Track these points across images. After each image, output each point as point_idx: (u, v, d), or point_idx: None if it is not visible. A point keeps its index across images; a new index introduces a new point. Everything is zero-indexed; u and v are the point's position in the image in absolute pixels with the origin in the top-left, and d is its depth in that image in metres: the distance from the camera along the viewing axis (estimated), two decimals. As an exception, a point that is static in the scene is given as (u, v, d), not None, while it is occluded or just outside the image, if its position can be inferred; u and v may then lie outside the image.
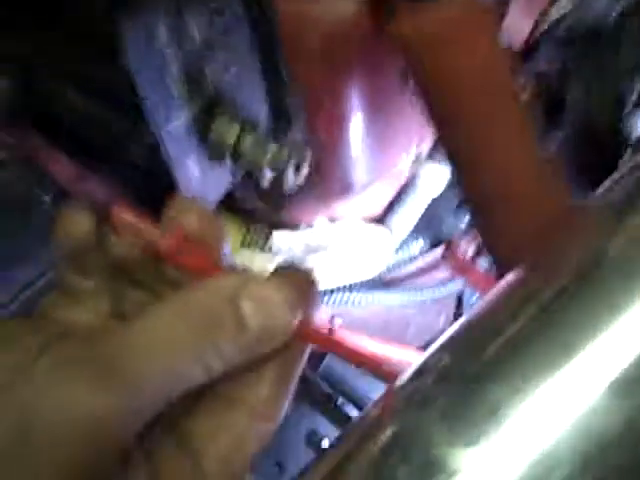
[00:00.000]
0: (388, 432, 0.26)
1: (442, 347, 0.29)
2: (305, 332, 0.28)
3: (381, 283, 0.78)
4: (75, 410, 0.22)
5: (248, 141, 0.41)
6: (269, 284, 0.27)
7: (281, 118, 0.45)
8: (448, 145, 0.45)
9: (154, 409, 0.25)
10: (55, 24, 0.38)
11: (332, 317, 0.70)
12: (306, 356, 0.30)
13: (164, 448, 0.27)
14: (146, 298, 0.30)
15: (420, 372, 0.28)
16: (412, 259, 0.81)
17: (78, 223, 0.28)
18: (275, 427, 0.29)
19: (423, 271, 0.84)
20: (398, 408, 0.27)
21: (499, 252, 0.47)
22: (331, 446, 0.31)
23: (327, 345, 0.30)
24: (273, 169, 0.42)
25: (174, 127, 0.38)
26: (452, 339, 0.29)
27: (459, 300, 0.91)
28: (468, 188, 0.46)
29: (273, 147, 0.41)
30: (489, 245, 0.48)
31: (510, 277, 0.29)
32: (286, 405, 0.29)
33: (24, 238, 0.54)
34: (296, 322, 0.27)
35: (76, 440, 0.22)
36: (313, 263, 0.65)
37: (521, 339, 0.26)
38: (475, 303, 0.86)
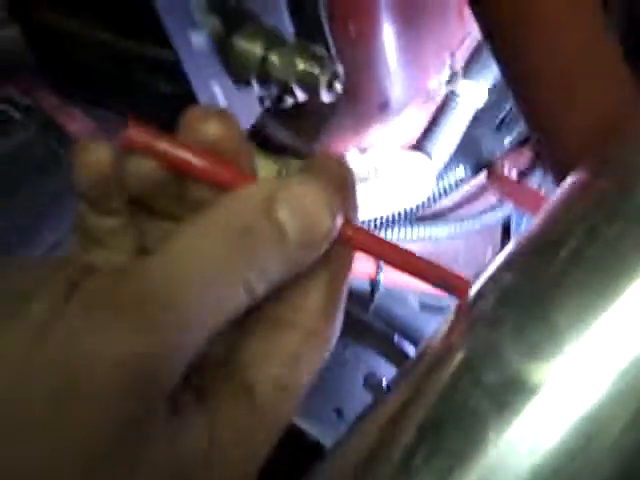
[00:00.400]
0: (458, 356, 0.25)
1: (504, 265, 0.27)
2: (348, 235, 0.26)
3: (426, 216, 0.75)
4: (117, 352, 0.21)
5: (274, 57, 0.37)
6: (304, 184, 0.24)
7: (306, 30, 0.41)
8: (504, 52, 0.40)
9: (199, 342, 0.23)
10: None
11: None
12: (352, 264, 0.28)
13: (216, 385, 0.26)
14: (171, 228, 0.28)
15: (483, 292, 0.26)
16: (455, 187, 0.77)
17: (98, 155, 0.26)
18: (330, 346, 0.27)
19: (467, 200, 0.82)
20: (465, 331, 0.26)
21: (559, 159, 0.43)
22: (395, 381, 0.30)
23: (375, 249, 0.27)
24: (304, 87, 0.38)
25: (195, 44, 0.34)
26: (514, 255, 0.27)
27: (506, 229, 0.88)
28: (527, 95, 0.42)
29: (301, 62, 0.37)
30: (549, 153, 0.44)
31: (570, 185, 0.27)
32: (339, 320, 0.28)
33: (47, 198, 0.51)
34: (338, 224, 0.25)
35: (122, 384, 0.21)
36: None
37: (588, 249, 0.24)
38: (526, 226, 0.83)
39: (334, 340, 0.27)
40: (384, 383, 0.52)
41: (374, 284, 0.67)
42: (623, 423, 0.23)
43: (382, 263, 0.67)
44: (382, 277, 0.67)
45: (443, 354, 0.26)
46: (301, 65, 0.37)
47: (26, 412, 0.20)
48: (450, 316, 0.29)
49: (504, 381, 0.23)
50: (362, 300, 0.66)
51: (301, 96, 0.39)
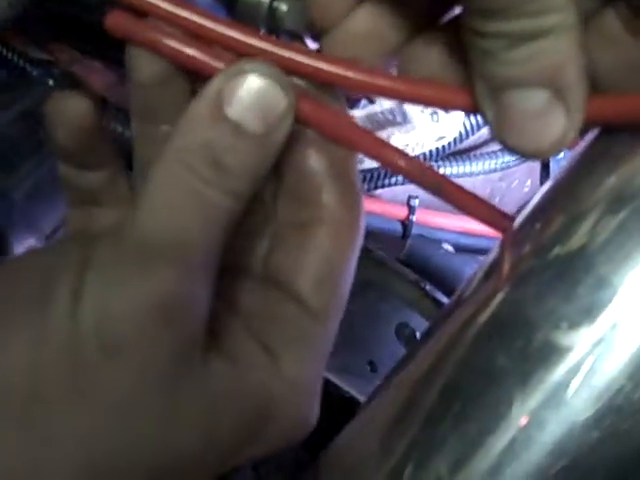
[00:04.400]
0: (486, 314, 0.25)
1: (540, 212, 0.26)
2: (310, 113, 0.26)
3: (458, 152, 0.72)
4: (144, 299, 0.22)
5: (284, 6, 0.35)
6: (247, 70, 0.24)
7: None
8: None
9: (211, 261, 0.24)
10: None
11: (409, 198, 0.65)
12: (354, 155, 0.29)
13: (262, 302, 0.28)
14: None
15: (518, 242, 0.26)
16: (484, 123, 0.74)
17: (75, 107, 0.27)
18: (359, 235, 0.28)
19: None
20: (494, 287, 0.25)
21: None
22: (425, 337, 0.29)
23: (341, 132, 0.27)
24: (316, 37, 0.36)
25: (196, -1, 0.32)
26: (552, 202, 0.26)
27: (545, 162, 0.85)
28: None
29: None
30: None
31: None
32: (360, 205, 0.28)
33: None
34: (293, 100, 0.24)
35: (158, 325, 0.22)
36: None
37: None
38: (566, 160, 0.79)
39: (361, 229, 0.28)
40: (417, 334, 0.51)
41: (406, 226, 0.66)
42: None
43: (414, 203, 0.65)
44: (414, 219, 0.66)
45: (474, 309, 0.26)
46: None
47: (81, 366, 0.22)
48: (485, 265, 0.28)
49: (531, 345, 0.23)
50: (393, 244, 0.65)
51: (313, 46, 0.36)
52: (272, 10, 0.35)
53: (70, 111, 0.27)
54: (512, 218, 0.27)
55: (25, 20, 0.53)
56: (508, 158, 0.74)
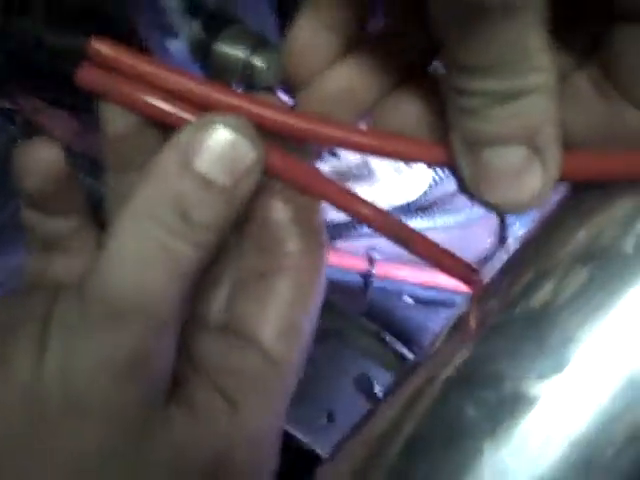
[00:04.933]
0: (454, 366, 0.25)
1: (505, 270, 0.27)
2: (280, 165, 0.26)
3: (419, 207, 0.73)
4: (105, 358, 0.22)
5: (258, 61, 0.36)
6: (216, 124, 0.24)
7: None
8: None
9: (174, 311, 0.24)
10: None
11: (368, 250, 0.66)
12: (319, 204, 0.28)
13: (219, 349, 0.27)
14: None
15: (486, 296, 0.26)
16: (448, 178, 0.75)
17: (45, 154, 0.26)
18: (321, 281, 0.28)
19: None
20: (462, 340, 0.25)
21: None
22: (389, 390, 0.29)
23: (313, 184, 0.27)
24: (289, 91, 0.37)
25: (173, 52, 0.33)
26: (515, 261, 0.27)
27: (503, 220, 0.86)
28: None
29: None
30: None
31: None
32: (324, 249, 0.28)
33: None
34: (262, 152, 0.24)
35: (120, 383, 0.22)
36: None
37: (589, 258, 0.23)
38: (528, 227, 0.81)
39: (324, 277, 0.28)
40: (376, 387, 0.51)
41: (366, 278, 0.66)
42: (619, 443, 0.22)
43: (375, 256, 0.66)
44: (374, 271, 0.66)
45: (442, 361, 0.26)
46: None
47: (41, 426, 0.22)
48: (453, 318, 0.28)
49: (500, 396, 0.23)
50: (354, 296, 0.65)
51: (286, 100, 0.37)
52: (248, 65, 0.36)
53: (39, 159, 0.26)
54: (479, 272, 0.27)
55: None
56: (468, 212, 0.75)
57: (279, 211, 0.28)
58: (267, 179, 0.26)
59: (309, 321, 0.28)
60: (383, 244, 0.70)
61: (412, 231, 0.27)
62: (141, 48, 0.32)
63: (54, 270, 0.29)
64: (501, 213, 0.26)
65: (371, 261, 0.65)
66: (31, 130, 0.55)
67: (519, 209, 0.24)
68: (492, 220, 0.87)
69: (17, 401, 0.22)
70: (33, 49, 0.42)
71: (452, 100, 0.23)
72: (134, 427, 0.23)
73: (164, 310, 0.23)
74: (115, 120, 0.26)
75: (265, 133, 0.25)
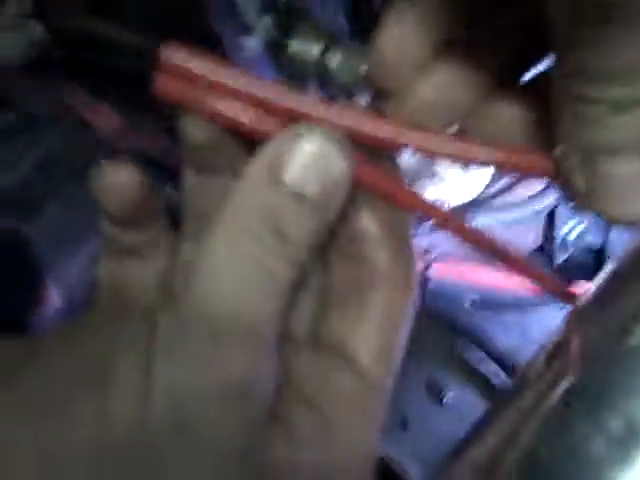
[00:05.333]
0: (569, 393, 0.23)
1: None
2: (378, 182, 0.25)
3: (469, 204, 0.72)
4: (213, 378, 0.21)
5: (334, 59, 0.34)
6: (304, 135, 0.23)
7: (361, 29, 0.37)
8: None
9: (274, 333, 0.23)
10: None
11: (425, 251, 0.64)
12: (410, 215, 0.28)
13: (316, 369, 0.26)
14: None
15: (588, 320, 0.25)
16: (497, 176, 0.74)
17: (125, 178, 0.26)
18: (414, 293, 0.27)
19: (510, 187, 0.78)
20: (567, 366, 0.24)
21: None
22: (491, 413, 0.28)
23: (400, 195, 0.26)
24: (367, 90, 0.34)
25: (248, 50, 0.31)
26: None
27: (550, 216, 0.85)
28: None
29: (364, 64, 0.34)
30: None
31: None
32: (414, 263, 0.27)
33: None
34: (351, 163, 0.23)
35: (228, 407, 0.22)
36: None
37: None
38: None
39: (417, 291, 0.27)
40: (446, 391, 0.49)
41: (423, 280, 0.64)
42: None
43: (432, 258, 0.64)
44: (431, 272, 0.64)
45: (550, 387, 0.24)
46: (364, 68, 0.33)
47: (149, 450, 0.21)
48: (555, 338, 0.27)
49: (627, 428, 0.22)
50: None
51: (363, 100, 0.35)
52: (322, 63, 0.34)
53: (121, 184, 0.26)
54: (579, 295, 0.26)
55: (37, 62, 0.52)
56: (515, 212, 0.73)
57: (368, 223, 0.26)
58: (355, 190, 0.25)
59: (402, 339, 0.26)
60: (441, 241, 0.69)
61: (501, 248, 0.26)
62: (216, 46, 0.30)
63: (127, 273, 0.29)
64: (616, 225, 0.24)
65: (428, 261, 0.63)
66: (76, 125, 0.54)
67: None
68: (538, 219, 0.85)
69: (122, 421, 0.21)
70: (89, 44, 0.40)
71: (569, 107, 0.21)
72: (240, 451, 0.22)
73: (266, 332, 0.23)
74: (195, 131, 0.25)
75: (353, 142, 0.24)
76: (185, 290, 0.23)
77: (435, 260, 0.63)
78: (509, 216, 0.75)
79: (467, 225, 0.26)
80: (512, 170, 0.26)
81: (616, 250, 0.82)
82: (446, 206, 0.65)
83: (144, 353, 0.22)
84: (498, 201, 0.77)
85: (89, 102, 0.58)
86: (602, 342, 0.23)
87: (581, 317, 0.25)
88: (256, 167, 0.23)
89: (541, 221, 0.85)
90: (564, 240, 0.84)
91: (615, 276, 0.26)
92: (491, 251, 0.26)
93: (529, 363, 0.28)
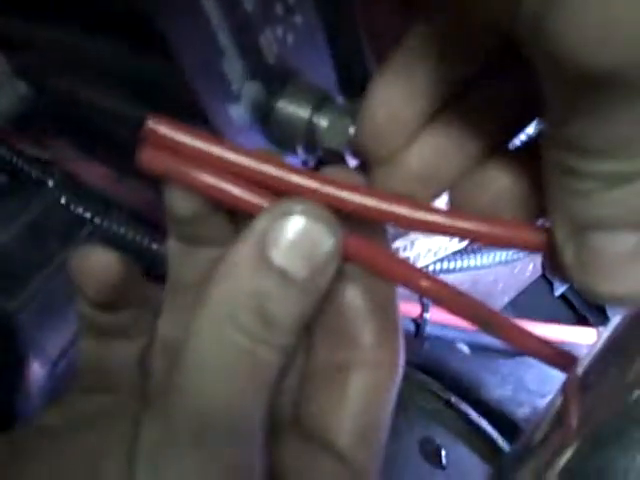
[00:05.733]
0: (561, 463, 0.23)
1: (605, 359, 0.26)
2: (365, 254, 0.24)
3: (469, 246, 0.71)
4: None
5: (324, 121, 0.33)
6: (289, 212, 0.22)
7: (355, 87, 0.36)
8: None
9: (262, 420, 0.22)
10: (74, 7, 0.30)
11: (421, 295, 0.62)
12: (394, 288, 0.27)
13: (292, 452, 0.25)
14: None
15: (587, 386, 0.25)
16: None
17: (103, 264, 0.26)
18: (397, 375, 0.26)
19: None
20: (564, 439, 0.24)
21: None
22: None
23: (391, 268, 0.25)
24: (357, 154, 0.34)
25: (235, 118, 0.30)
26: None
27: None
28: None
29: (354, 125, 0.33)
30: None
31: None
32: (400, 344, 0.26)
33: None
34: (339, 240, 0.23)
35: None
36: (400, 246, 0.58)
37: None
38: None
39: (401, 371, 0.26)
40: (442, 450, 0.48)
41: (419, 325, 0.63)
42: None
43: (427, 301, 0.63)
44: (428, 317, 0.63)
45: (552, 457, 0.24)
46: (353, 130, 0.33)
47: None
48: (557, 400, 0.27)
49: None
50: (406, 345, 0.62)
51: (352, 163, 0.34)
52: (311, 126, 0.33)
53: (98, 268, 0.26)
54: (575, 360, 0.25)
55: (23, 117, 0.51)
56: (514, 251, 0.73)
57: (355, 300, 0.26)
58: (342, 264, 0.24)
59: (386, 420, 0.26)
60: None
61: (496, 315, 0.25)
62: (201, 117, 0.29)
63: (108, 353, 0.29)
64: (601, 302, 0.23)
65: (424, 306, 0.62)
66: (68, 182, 0.53)
67: (633, 300, 0.21)
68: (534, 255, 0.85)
69: None
70: (74, 105, 0.40)
71: (559, 180, 0.21)
72: None
73: (254, 425, 0.22)
74: (180, 203, 0.25)
75: (339, 214, 0.24)
76: (169, 383, 0.22)
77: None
78: (506, 254, 0.74)
79: (464, 297, 0.25)
80: (503, 245, 0.25)
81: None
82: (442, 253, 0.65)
83: (126, 462, 0.21)
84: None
85: (78, 157, 0.58)
86: (600, 413, 0.23)
87: (579, 385, 0.24)
88: (242, 246, 0.22)
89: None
90: (564, 271, 0.84)
91: (612, 343, 0.26)
92: (488, 326, 0.25)
93: (531, 428, 0.27)
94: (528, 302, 0.84)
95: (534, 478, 0.24)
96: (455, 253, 0.68)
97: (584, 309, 0.87)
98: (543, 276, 0.87)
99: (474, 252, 0.70)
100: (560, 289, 0.87)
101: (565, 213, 0.21)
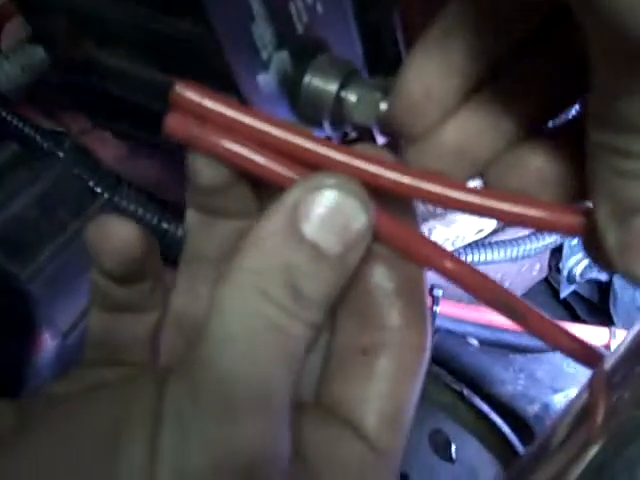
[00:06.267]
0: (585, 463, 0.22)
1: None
2: (395, 233, 0.23)
3: (480, 242, 0.70)
4: (223, 457, 0.20)
5: (352, 96, 0.32)
6: (323, 185, 0.22)
7: (382, 65, 0.35)
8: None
9: (289, 396, 0.21)
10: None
11: (431, 288, 0.62)
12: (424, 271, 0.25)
13: (313, 429, 0.24)
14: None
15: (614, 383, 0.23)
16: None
17: (121, 234, 0.25)
18: (425, 356, 0.25)
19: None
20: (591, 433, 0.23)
21: None
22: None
23: (420, 249, 0.24)
24: (386, 130, 0.33)
25: (263, 87, 0.29)
26: None
27: (557, 249, 0.84)
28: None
29: (384, 102, 0.32)
30: None
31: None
32: (428, 324, 0.25)
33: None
34: (372, 217, 0.22)
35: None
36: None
37: None
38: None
39: (428, 353, 0.25)
40: (451, 443, 0.47)
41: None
42: None
43: (438, 295, 0.62)
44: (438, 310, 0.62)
45: (576, 456, 0.23)
46: (383, 106, 0.32)
47: None
48: (583, 396, 0.25)
49: None
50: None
51: (380, 139, 0.33)
52: (339, 100, 0.32)
53: (117, 238, 0.25)
54: (602, 356, 0.24)
55: (36, 87, 0.50)
56: (529, 246, 0.72)
57: (383, 280, 0.25)
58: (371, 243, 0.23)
59: (412, 403, 0.25)
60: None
61: (528, 309, 0.24)
62: (229, 84, 0.28)
63: (119, 326, 0.28)
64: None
65: (434, 299, 0.61)
66: (79, 154, 0.52)
67: None
68: (543, 253, 0.84)
69: None
70: (93, 72, 0.39)
71: (606, 162, 0.20)
72: None
73: (281, 402, 0.21)
74: (205, 171, 0.24)
75: (370, 191, 0.23)
76: (195, 354, 0.21)
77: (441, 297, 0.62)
78: (516, 251, 0.73)
79: (488, 282, 0.24)
80: (536, 226, 0.24)
81: (622, 285, 0.81)
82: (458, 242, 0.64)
83: (152, 425, 0.20)
84: (506, 235, 0.76)
85: (91, 129, 0.57)
86: (629, 409, 0.22)
87: (606, 381, 0.23)
88: (273, 219, 0.22)
89: (547, 254, 0.84)
90: (570, 273, 0.83)
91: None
92: (512, 313, 0.24)
93: (550, 427, 0.27)
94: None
95: (555, 476, 0.23)
96: (466, 247, 0.67)
97: (585, 314, 0.87)
98: (545, 279, 0.87)
99: (484, 247, 0.69)
100: (566, 291, 0.86)
101: (610, 195, 0.21)
